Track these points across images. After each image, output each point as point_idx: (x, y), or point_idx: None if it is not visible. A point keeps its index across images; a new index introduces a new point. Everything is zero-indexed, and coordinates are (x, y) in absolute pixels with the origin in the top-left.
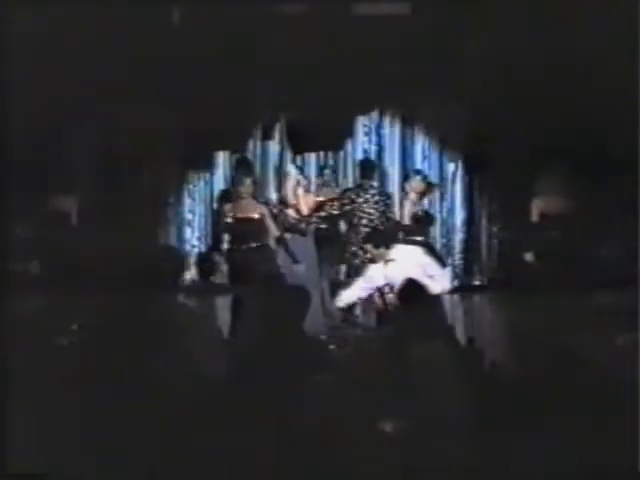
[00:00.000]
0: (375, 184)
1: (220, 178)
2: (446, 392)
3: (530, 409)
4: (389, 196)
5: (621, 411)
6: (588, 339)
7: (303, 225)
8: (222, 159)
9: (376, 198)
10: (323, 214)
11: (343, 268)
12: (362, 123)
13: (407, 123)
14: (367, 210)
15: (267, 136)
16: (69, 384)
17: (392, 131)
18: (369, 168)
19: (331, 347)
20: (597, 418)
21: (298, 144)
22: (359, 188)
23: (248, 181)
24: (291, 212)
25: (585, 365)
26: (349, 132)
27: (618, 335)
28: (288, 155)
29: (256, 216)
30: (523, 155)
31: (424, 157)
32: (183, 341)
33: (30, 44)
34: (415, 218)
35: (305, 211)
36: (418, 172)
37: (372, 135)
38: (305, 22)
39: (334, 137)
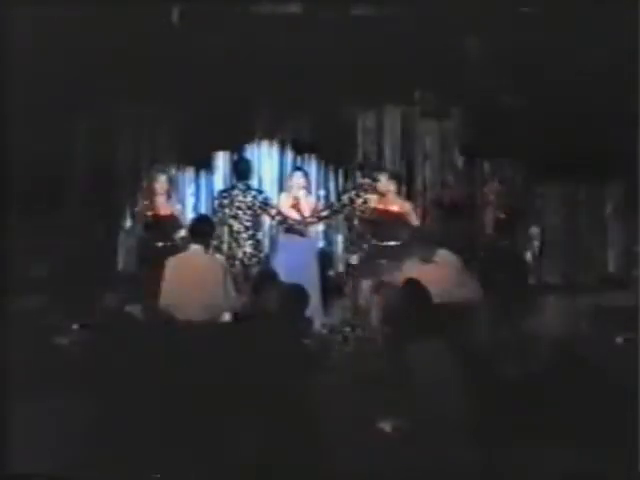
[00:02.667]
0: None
1: (220, 178)
2: (446, 392)
3: (530, 409)
4: (384, 195)
5: (621, 411)
6: (588, 339)
7: (302, 226)
8: (222, 159)
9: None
10: (324, 214)
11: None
12: (362, 123)
13: (407, 122)
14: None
15: (267, 136)
16: (69, 384)
17: (392, 131)
18: (368, 167)
19: (331, 347)
20: (597, 418)
21: (299, 144)
22: (359, 188)
23: (163, 178)
24: (292, 213)
25: (585, 365)
26: (349, 132)
27: (618, 335)
28: (289, 156)
29: (175, 213)
30: (523, 154)
31: (424, 156)
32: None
33: (30, 44)
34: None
35: (306, 212)
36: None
37: (372, 135)
38: (304, 22)
39: (334, 137)
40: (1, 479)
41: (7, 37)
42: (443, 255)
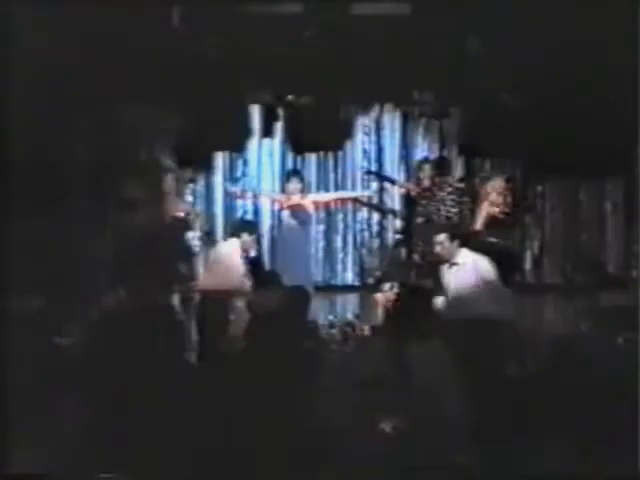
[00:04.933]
0: (451, 181)
1: (219, 178)
2: (445, 392)
3: (530, 409)
4: (464, 193)
5: (621, 411)
6: (588, 339)
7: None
8: (222, 159)
9: (452, 196)
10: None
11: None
12: (362, 123)
13: (407, 123)
14: (444, 208)
15: (267, 136)
16: (69, 384)
17: (392, 131)
18: (445, 166)
19: (331, 347)
20: (597, 418)
21: (299, 144)
22: (435, 186)
23: (170, 178)
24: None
25: (585, 365)
26: (349, 132)
27: (618, 335)
28: (289, 155)
29: (182, 214)
30: (523, 154)
31: (424, 157)
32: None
33: (30, 44)
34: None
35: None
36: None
37: (372, 135)
38: (305, 22)
39: (334, 137)
40: (1, 479)
41: (7, 37)
42: (467, 256)
